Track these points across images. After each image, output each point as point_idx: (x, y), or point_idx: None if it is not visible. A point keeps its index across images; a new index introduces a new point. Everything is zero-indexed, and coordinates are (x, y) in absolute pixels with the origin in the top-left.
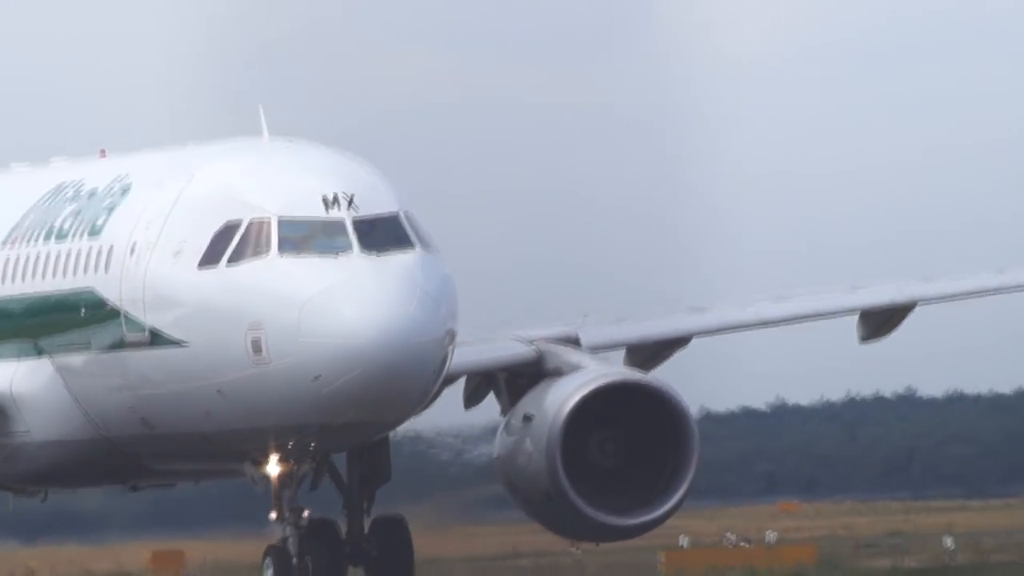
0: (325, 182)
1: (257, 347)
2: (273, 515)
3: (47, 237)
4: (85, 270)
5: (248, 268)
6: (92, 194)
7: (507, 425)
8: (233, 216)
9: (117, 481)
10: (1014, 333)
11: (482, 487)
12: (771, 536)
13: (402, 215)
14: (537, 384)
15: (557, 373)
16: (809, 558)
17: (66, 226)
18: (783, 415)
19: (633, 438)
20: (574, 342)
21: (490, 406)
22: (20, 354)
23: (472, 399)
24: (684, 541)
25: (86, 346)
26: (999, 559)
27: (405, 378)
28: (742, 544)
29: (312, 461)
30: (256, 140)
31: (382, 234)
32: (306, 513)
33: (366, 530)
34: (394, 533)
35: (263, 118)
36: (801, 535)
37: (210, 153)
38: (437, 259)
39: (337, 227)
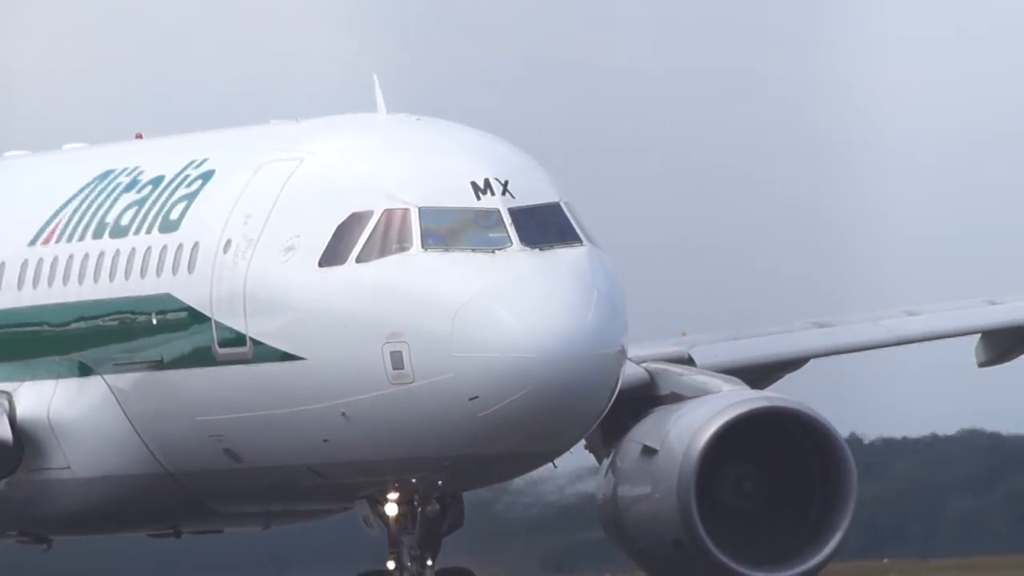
0: (473, 165)
1: (397, 362)
2: (391, 564)
3: (98, 234)
4: (159, 271)
5: (385, 267)
6: (158, 182)
7: (614, 462)
8: (361, 205)
9: (165, 526)
10: None
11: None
12: None
13: (563, 204)
14: (649, 412)
15: (675, 398)
16: None
17: (125, 220)
18: None
19: (772, 475)
20: (685, 363)
21: None
22: (59, 373)
23: None
24: None
25: (156, 362)
26: None
27: (579, 400)
28: None
29: (436, 501)
30: (373, 116)
31: (544, 226)
32: (430, 563)
33: None
34: None
35: (378, 89)
36: None
37: (319, 131)
38: (606, 257)
39: (492, 217)
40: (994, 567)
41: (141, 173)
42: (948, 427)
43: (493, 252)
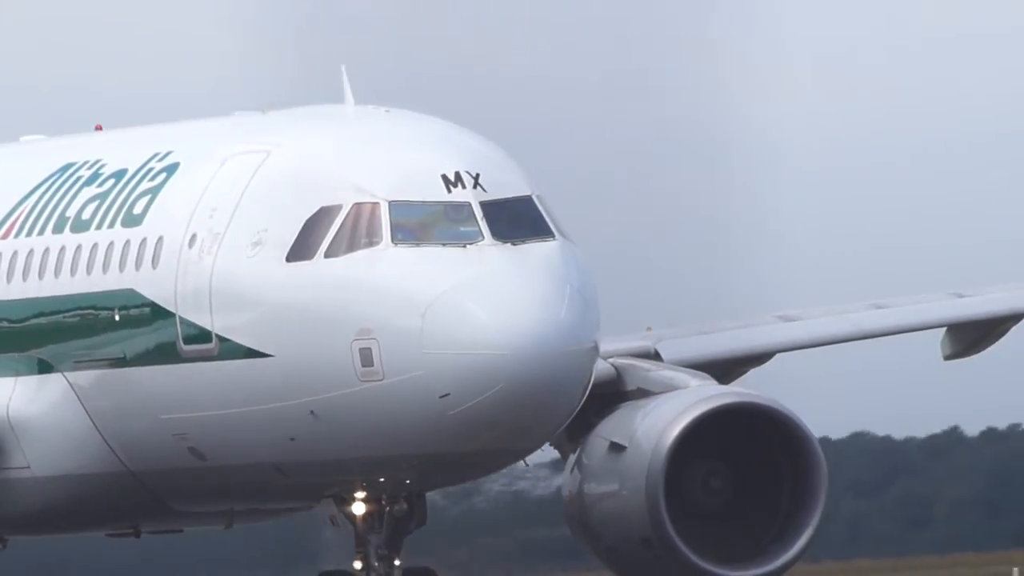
0: (443, 157)
1: (367, 359)
2: (357, 564)
3: (59, 228)
4: (122, 266)
5: (354, 262)
6: (120, 175)
7: (580, 459)
8: (330, 199)
9: (125, 525)
10: None
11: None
12: None
13: (535, 198)
14: (616, 408)
15: (643, 394)
16: None
17: (87, 214)
18: None
19: (741, 472)
20: (652, 358)
21: None
22: (19, 371)
23: None
24: None
25: (118, 359)
26: None
27: (552, 397)
28: None
29: (403, 500)
30: (341, 107)
31: (516, 220)
32: (398, 562)
33: None
34: None
35: (346, 81)
36: None
37: (286, 122)
38: (579, 251)
39: (463, 211)
40: (884, 570)
41: (103, 166)
42: (839, 430)
43: (464, 247)
